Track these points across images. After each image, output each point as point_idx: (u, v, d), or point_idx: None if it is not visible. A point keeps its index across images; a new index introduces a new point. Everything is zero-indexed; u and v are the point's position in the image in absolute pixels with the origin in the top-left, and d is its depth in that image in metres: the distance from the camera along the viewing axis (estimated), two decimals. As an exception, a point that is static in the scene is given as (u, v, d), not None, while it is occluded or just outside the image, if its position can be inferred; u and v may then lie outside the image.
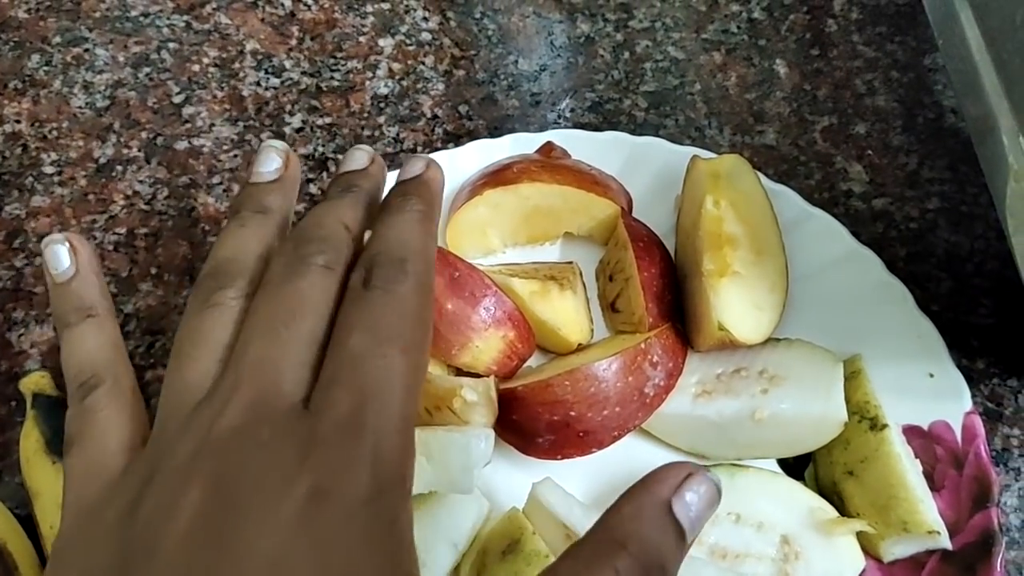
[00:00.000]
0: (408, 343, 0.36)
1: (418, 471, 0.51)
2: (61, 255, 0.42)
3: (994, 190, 0.52)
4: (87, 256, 0.43)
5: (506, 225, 0.60)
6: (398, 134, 0.68)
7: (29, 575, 0.50)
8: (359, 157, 0.45)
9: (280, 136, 0.67)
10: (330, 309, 0.37)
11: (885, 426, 0.52)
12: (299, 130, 0.68)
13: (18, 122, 0.67)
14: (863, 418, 0.53)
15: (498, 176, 0.59)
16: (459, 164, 0.62)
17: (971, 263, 0.62)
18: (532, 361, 0.58)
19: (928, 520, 0.50)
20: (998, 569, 0.50)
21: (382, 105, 0.69)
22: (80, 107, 0.68)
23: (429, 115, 0.69)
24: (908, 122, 0.68)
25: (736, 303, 0.55)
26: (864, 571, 0.52)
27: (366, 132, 0.68)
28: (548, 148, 0.62)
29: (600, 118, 0.68)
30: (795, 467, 0.56)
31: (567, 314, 0.57)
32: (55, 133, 0.67)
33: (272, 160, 0.44)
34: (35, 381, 0.55)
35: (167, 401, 0.36)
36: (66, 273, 0.42)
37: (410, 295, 0.37)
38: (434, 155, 0.61)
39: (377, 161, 0.46)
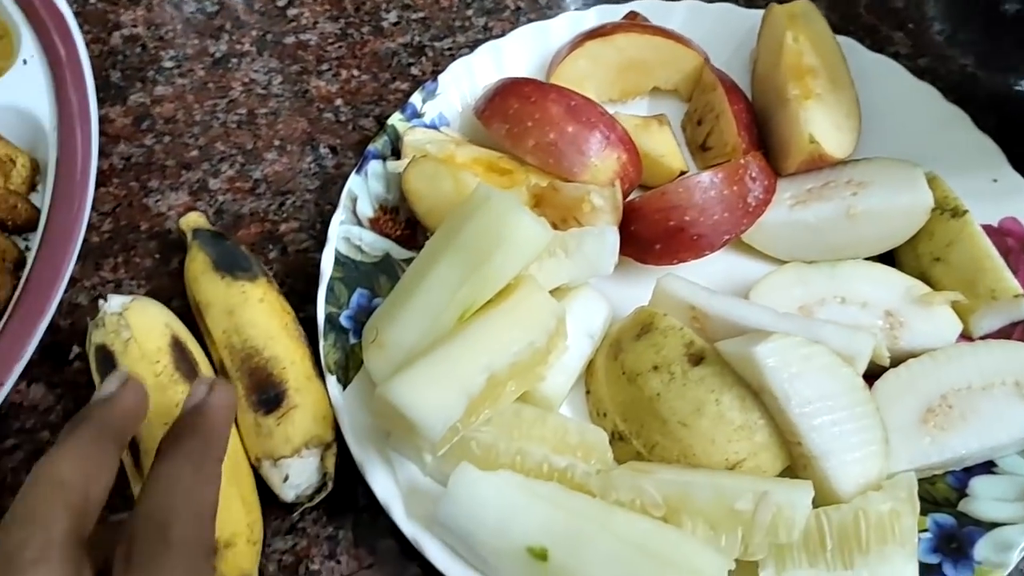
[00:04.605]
0: None
1: (557, 266, 0.56)
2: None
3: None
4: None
5: (602, 78, 0.67)
6: (486, 23, 0.75)
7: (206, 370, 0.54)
8: (106, 387, 0.42)
9: (378, 30, 0.74)
10: None
11: (966, 211, 0.59)
12: (396, 24, 0.75)
13: (135, 27, 0.73)
14: (944, 210, 0.60)
15: (596, 32, 0.66)
16: (552, 34, 0.69)
17: (1011, 103, 0.70)
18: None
19: (1014, 285, 0.57)
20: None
21: (469, 0, 0.76)
22: (192, 12, 0.74)
23: (512, 7, 0.76)
24: (940, -4, 0.77)
25: (821, 120, 0.61)
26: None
27: (456, 23, 0.74)
28: (632, 15, 0.69)
29: None
30: (881, 270, 0.61)
31: (668, 144, 0.64)
32: (171, 34, 0.73)
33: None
34: (194, 220, 0.60)
35: None
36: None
37: (176, 569, 0.35)
38: (526, 27, 0.68)
39: (128, 385, 0.42)
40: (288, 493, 0.52)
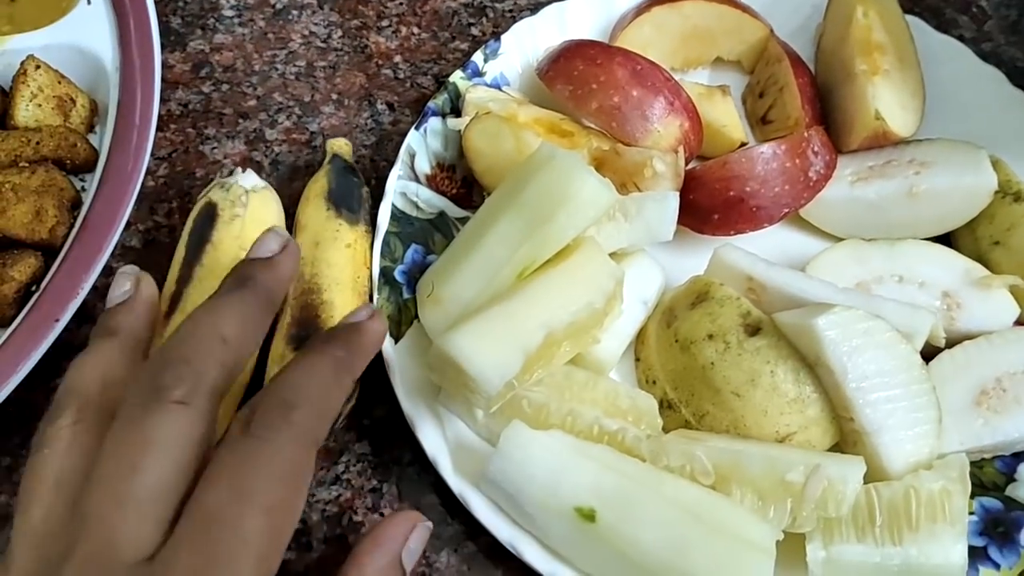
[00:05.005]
0: (273, 503, 0.34)
1: (616, 230, 0.56)
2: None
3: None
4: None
5: (666, 46, 0.66)
6: (547, -13, 0.74)
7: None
8: (268, 243, 0.44)
9: (441, -11, 0.74)
10: (187, 450, 0.35)
11: (1029, 196, 0.58)
12: (456, -16, 0.74)
13: (197, -27, 0.73)
14: (1006, 193, 0.59)
15: (662, -1, 0.65)
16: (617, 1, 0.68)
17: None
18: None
19: (1075, 271, 0.56)
20: None
21: (531, -37, 0.75)
22: (254, -38, 0.74)
23: (575, -28, 0.75)
24: (1009, -19, 0.76)
25: (888, 97, 0.61)
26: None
27: (517, -15, 0.74)
28: (699, -16, 0.68)
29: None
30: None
31: (730, 115, 0.63)
32: (232, -18, 0.73)
33: (121, 285, 0.45)
34: (340, 145, 0.61)
35: (17, 545, 0.35)
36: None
37: (287, 448, 0.35)
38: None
39: (288, 249, 0.44)
40: None
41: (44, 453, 0.36)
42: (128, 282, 0.45)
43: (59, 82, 0.63)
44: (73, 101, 0.63)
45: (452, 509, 0.53)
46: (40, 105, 0.62)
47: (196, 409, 0.35)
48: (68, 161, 0.61)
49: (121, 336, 0.42)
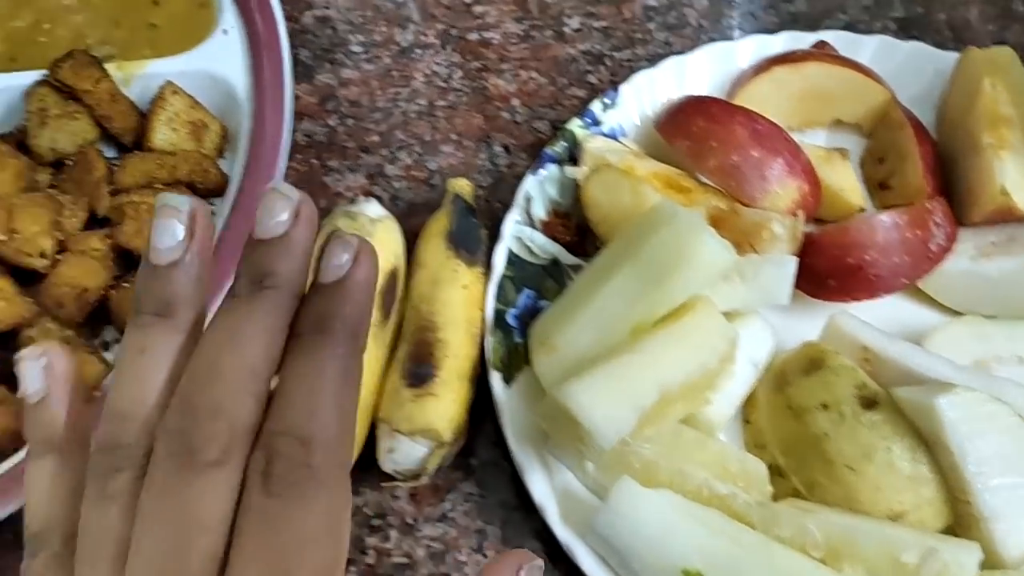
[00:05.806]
0: (315, 570, 0.31)
1: (731, 291, 0.56)
2: (33, 374, 0.35)
3: None
4: (61, 375, 0.35)
5: (783, 105, 0.66)
6: (667, 39, 0.75)
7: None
8: (276, 212, 0.31)
9: (559, 35, 0.75)
10: (227, 509, 0.31)
11: None
12: (577, 30, 0.75)
13: (327, 8, 0.75)
14: None
15: (785, 57, 0.65)
16: (738, 55, 0.69)
17: None
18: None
19: None
20: None
21: (651, 14, 0.76)
22: (382, 0, 0.76)
23: (695, 24, 0.75)
24: None
25: (1014, 172, 0.60)
26: None
27: (637, 35, 0.75)
28: (821, 44, 0.68)
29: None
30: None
31: (849, 179, 0.63)
32: (360, 19, 0.75)
33: (170, 230, 0.31)
34: (461, 185, 0.62)
35: None
36: (36, 396, 0.35)
37: (316, 503, 0.31)
38: (713, 46, 0.68)
39: (303, 214, 0.32)
40: (385, 463, 0.54)
41: (99, 509, 0.32)
42: (179, 225, 0.31)
43: (193, 107, 0.65)
44: (206, 127, 0.65)
45: (554, 557, 0.53)
46: (175, 129, 0.64)
47: (233, 463, 0.31)
48: (200, 185, 0.63)
49: (180, 316, 0.32)
